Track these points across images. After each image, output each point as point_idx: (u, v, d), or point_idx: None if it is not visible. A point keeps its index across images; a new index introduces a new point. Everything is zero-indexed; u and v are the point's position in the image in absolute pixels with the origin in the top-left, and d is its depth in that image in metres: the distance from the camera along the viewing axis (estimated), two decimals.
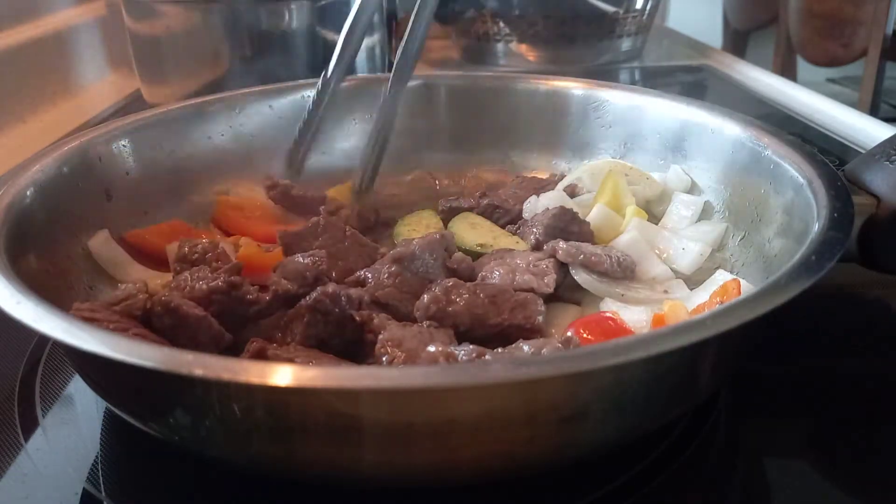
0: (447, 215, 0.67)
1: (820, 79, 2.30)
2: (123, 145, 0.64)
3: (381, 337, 0.45)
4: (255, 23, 0.96)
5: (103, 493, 0.43)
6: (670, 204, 0.64)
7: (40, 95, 1.08)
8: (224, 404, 0.35)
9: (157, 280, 0.57)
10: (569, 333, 0.47)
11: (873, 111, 1.77)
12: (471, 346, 0.42)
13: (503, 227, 0.65)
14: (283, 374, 0.32)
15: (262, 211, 0.68)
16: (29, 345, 0.56)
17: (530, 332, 0.48)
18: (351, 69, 0.74)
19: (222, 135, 0.71)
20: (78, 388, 0.52)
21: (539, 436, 0.37)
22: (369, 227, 0.67)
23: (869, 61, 1.81)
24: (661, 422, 0.43)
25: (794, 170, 0.53)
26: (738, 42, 2.43)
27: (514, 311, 0.49)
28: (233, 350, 0.48)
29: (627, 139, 0.72)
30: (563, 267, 0.55)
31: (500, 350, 0.43)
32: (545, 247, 0.56)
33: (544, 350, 0.42)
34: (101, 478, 0.44)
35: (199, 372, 0.33)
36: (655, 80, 1.26)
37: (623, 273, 0.55)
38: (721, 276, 0.55)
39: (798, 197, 0.51)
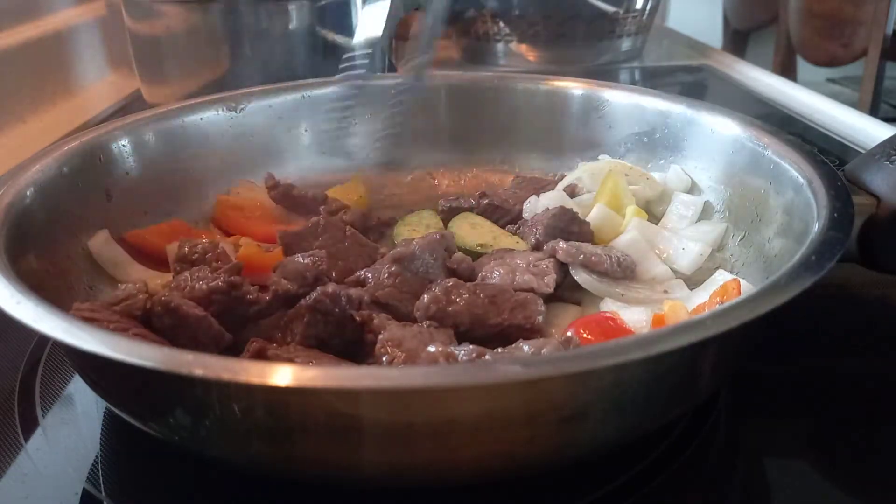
0: (447, 215, 0.67)
1: (820, 79, 2.30)
2: (123, 145, 0.64)
3: (381, 337, 0.45)
4: (255, 23, 0.96)
5: (103, 493, 0.42)
6: (670, 204, 0.65)
7: (40, 95, 1.08)
8: (224, 404, 0.35)
9: (157, 280, 0.57)
10: (569, 333, 0.47)
11: (873, 111, 1.76)
12: (471, 346, 0.42)
13: (503, 227, 0.65)
14: (283, 374, 0.32)
15: (262, 211, 0.68)
16: (29, 345, 0.56)
17: (530, 332, 0.48)
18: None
19: (222, 135, 0.71)
20: (78, 388, 0.52)
21: (539, 436, 0.37)
22: (369, 227, 0.67)
23: (869, 61, 1.81)
24: (661, 422, 0.43)
25: (794, 170, 0.53)
26: (738, 42, 2.43)
27: (514, 311, 0.49)
28: (233, 350, 0.48)
29: (627, 139, 0.72)
30: (563, 267, 0.55)
31: (500, 350, 0.43)
32: (545, 247, 0.56)
33: (544, 350, 0.42)
34: (101, 478, 0.44)
35: (199, 372, 0.33)
36: (655, 80, 1.26)
37: (623, 273, 0.55)
38: (721, 276, 0.55)
39: (798, 197, 0.51)
